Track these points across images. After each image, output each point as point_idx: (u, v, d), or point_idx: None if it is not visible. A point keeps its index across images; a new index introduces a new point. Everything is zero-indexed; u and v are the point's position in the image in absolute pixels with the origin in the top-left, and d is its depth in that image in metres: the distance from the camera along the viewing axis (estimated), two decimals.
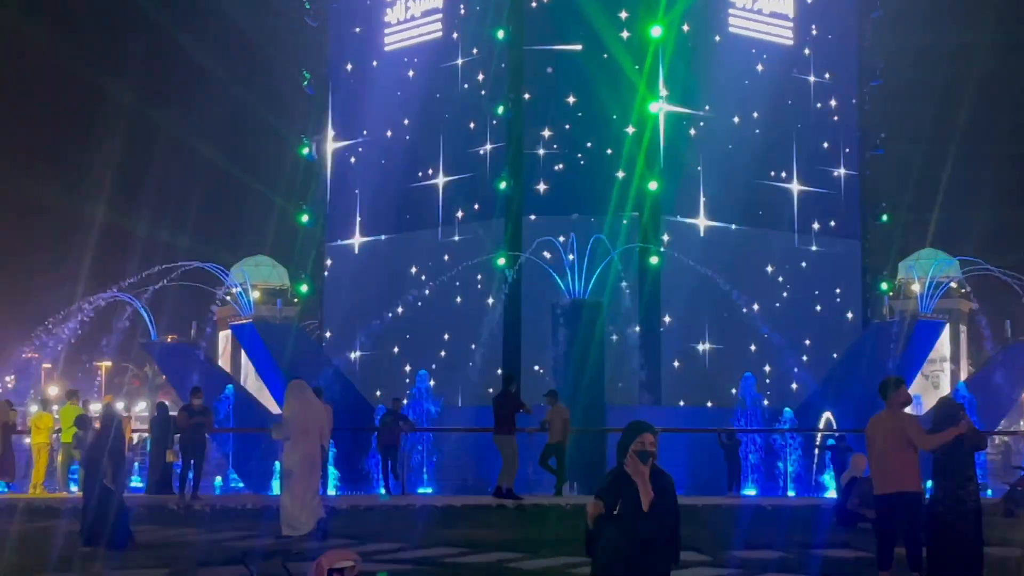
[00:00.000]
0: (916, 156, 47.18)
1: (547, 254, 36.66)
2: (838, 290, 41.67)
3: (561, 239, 36.29)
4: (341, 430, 32.83)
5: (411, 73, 41.41)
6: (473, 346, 37.27)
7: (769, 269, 39.78)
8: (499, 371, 34.17)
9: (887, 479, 13.68)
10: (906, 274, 43.00)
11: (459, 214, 39.57)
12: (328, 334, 43.56)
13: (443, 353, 38.65)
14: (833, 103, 42.31)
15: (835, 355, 38.74)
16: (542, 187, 38.22)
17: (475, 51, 39.67)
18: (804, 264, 40.80)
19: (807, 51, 41.94)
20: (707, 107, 39.04)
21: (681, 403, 37.39)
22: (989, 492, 29.20)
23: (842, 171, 42.28)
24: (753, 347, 38.13)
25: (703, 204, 38.88)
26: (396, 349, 40.06)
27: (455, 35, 40.56)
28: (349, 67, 43.90)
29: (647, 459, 8.25)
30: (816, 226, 41.33)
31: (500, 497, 25.59)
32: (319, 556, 9.05)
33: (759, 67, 40.53)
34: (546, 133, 38.31)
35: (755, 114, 40.01)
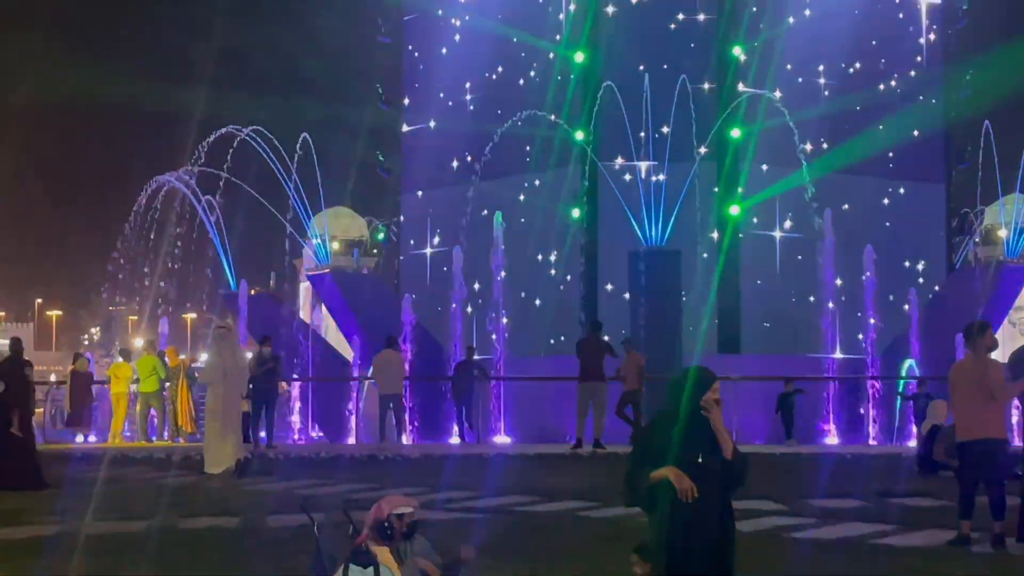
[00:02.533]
0: (1003, 103, 45.96)
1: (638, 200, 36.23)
2: (923, 234, 40.83)
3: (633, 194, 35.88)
4: (418, 379, 32.91)
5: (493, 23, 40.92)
6: (546, 297, 37.08)
7: (850, 214, 39.04)
8: (579, 319, 33.89)
9: (970, 426, 13.33)
10: (993, 219, 42.04)
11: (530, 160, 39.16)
12: (409, 283, 43.45)
13: (521, 297, 38.25)
14: (912, 48, 41.39)
15: (921, 301, 38.03)
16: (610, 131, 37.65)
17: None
18: (888, 210, 39.98)
19: None
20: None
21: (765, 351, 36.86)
22: None
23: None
24: (835, 297, 37.49)
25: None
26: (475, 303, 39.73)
27: None
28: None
29: (710, 408, 8.03)
30: (899, 171, 40.46)
31: (598, 447, 25.39)
32: (379, 500, 8.88)
33: None
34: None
35: (843, 65, 39.20)
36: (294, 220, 41.26)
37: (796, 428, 30.51)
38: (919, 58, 41.49)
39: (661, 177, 36.44)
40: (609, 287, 36.94)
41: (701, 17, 37.56)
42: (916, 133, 40.50)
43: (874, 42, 40.13)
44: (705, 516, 7.82)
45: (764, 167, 37.73)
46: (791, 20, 38.43)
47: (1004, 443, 13.57)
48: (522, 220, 38.00)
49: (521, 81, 40.00)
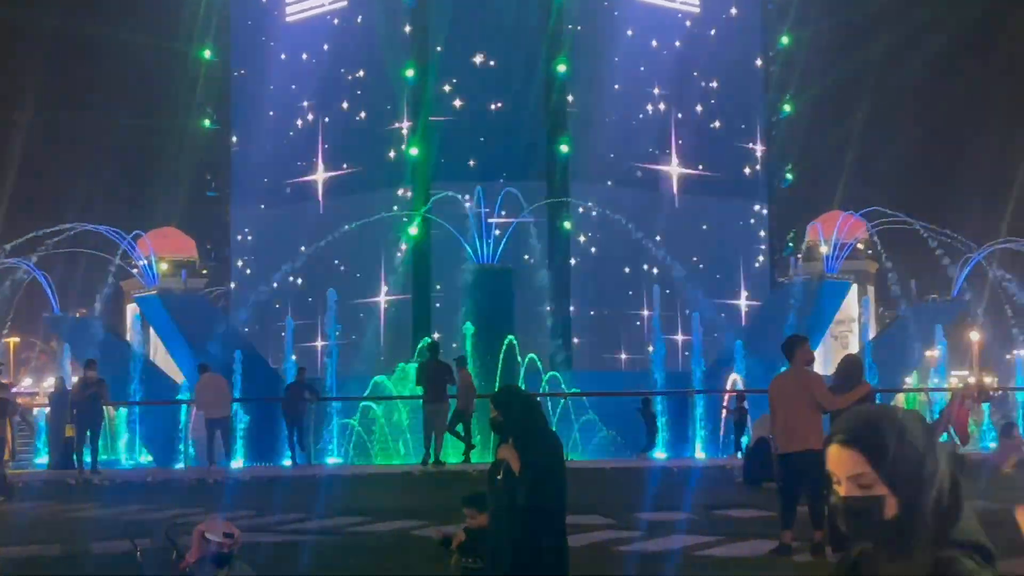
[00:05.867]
0: (822, 119, 47.42)
1: (458, 217, 36.38)
2: (746, 253, 41.87)
3: (468, 203, 36.04)
4: (247, 401, 32.45)
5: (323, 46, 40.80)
6: (380, 314, 36.99)
7: (677, 232, 39.80)
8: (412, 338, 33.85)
9: (792, 438, 13.62)
10: (812, 236, 43.28)
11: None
12: (239, 305, 42.96)
13: (351, 321, 38.23)
14: (733, 70, 42.48)
15: (744, 317, 38.91)
16: (448, 151, 37.88)
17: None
18: (710, 227, 40.91)
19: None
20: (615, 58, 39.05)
21: (593, 367, 37.35)
22: None
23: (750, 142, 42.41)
24: (661, 310, 38.12)
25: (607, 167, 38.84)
26: (317, 318, 39.48)
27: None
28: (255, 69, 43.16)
29: (497, 427, 8.27)
30: (722, 188, 41.45)
31: (438, 466, 25.65)
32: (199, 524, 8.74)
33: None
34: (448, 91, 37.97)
35: (655, 90, 40.04)
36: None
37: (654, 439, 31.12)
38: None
39: (493, 195, 36.67)
40: (439, 306, 36.99)
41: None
42: (735, 144, 41.66)
43: (699, 64, 41.10)
44: (498, 527, 8.08)
45: (598, 182, 38.33)
46: (615, 39, 39.19)
47: (823, 454, 13.90)
48: (357, 238, 37.86)
49: (350, 102, 39.92)
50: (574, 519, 15.38)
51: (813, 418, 13.59)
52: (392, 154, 38.97)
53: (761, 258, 43.25)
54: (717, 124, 41.84)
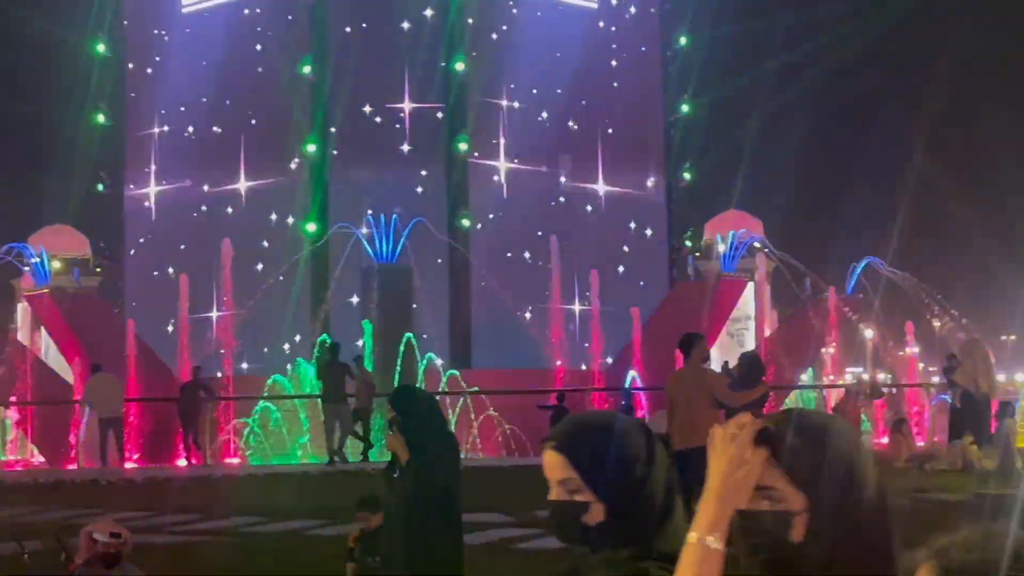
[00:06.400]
0: (721, 117, 47.88)
1: (363, 217, 36.20)
2: (644, 249, 42.14)
3: (369, 207, 35.90)
4: (142, 400, 32.00)
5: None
6: (280, 312, 36.64)
7: (574, 228, 39.95)
8: (303, 338, 33.58)
9: (690, 435, 13.67)
10: (710, 234, 43.60)
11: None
12: (133, 303, 42.34)
13: (251, 317, 37.78)
14: (632, 69, 42.74)
15: (642, 315, 39.10)
16: (349, 149, 37.69)
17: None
18: (609, 223, 41.13)
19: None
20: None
21: (495, 366, 37.31)
22: None
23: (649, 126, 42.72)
24: (563, 307, 38.22)
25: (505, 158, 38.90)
26: (212, 314, 39.00)
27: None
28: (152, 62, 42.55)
29: (390, 427, 8.33)
30: (622, 186, 41.68)
31: (339, 465, 25.55)
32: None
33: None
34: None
35: (557, 91, 40.22)
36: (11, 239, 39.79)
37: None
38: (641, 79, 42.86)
39: (393, 190, 36.55)
40: (340, 303, 36.74)
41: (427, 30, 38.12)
42: (634, 144, 41.91)
43: (596, 63, 41.30)
44: (396, 529, 8.13)
45: (496, 178, 38.35)
46: (514, 35, 39.28)
47: None
48: (253, 234, 37.51)
49: (248, 95, 39.51)
50: (473, 517, 15.36)
51: (710, 415, 13.67)
52: (290, 148, 38.62)
53: (659, 256, 43.53)
54: (615, 123, 42.01)
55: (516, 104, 39.13)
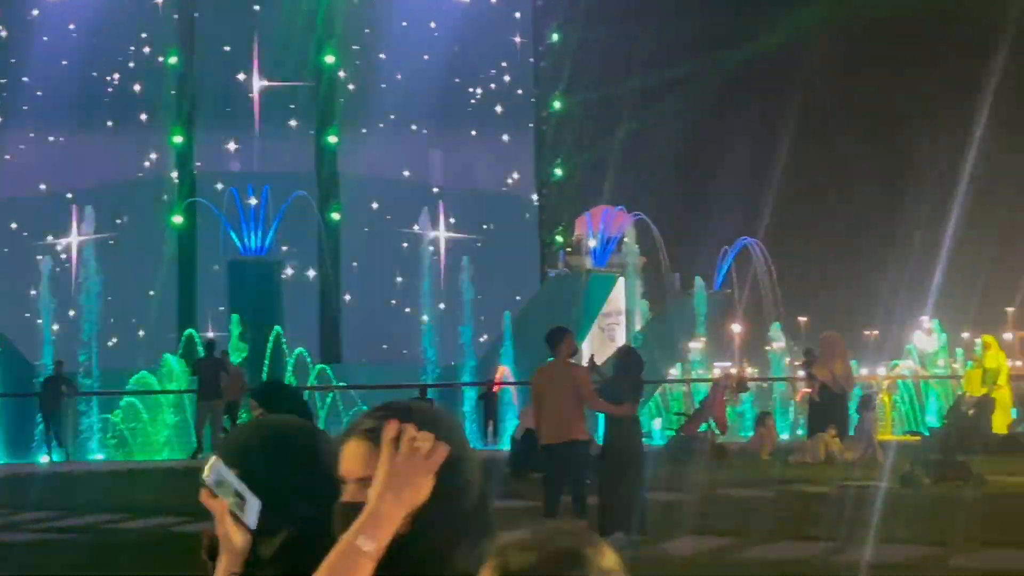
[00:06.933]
0: (592, 114, 48.19)
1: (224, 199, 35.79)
2: (517, 244, 42.24)
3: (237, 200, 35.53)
4: (2, 395, 31.32)
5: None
6: (147, 306, 36.08)
7: (445, 222, 39.96)
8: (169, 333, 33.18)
9: (556, 429, 13.73)
10: (581, 230, 43.99)
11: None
12: None
13: (115, 311, 37.10)
14: (505, 64, 42.80)
15: (514, 309, 39.23)
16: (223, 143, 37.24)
17: None
18: (480, 219, 41.17)
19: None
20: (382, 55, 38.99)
21: (366, 361, 37.19)
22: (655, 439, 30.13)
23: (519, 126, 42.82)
24: (434, 303, 38.22)
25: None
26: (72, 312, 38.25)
27: None
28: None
29: None
30: (493, 182, 41.75)
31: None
32: None
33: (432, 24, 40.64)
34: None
35: (428, 85, 40.15)
36: None
37: None
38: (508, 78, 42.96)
39: (261, 185, 36.18)
40: (208, 296, 36.29)
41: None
42: (506, 138, 42.00)
43: (468, 58, 41.31)
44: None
45: (363, 171, 38.20)
46: (387, 26, 39.14)
47: (587, 444, 14.09)
48: (119, 223, 36.91)
49: (113, 82, 38.82)
50: None
51: (576, 410, 13.74)
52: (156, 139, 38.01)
53: (530, 251, 43.64)
54: (486, 118, 42.04)
55: (385, 86, 38.90)
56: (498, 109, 42.37)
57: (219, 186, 36.54)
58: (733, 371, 37.28)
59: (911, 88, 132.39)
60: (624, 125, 48.96)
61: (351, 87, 38.67)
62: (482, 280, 37.61)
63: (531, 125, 43.89)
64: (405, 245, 38.18)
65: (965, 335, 55.22)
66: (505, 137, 42.37)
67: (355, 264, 37.95)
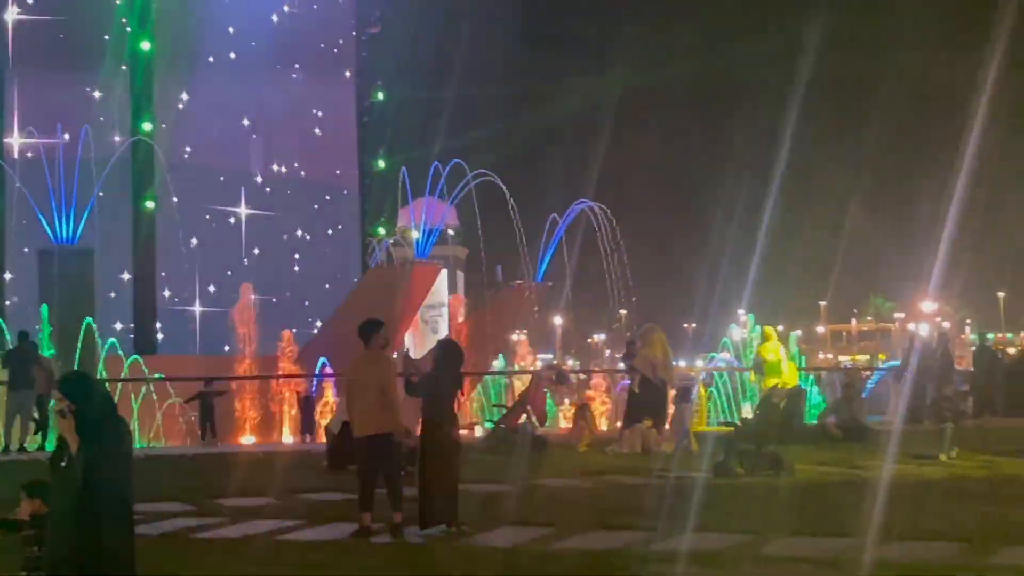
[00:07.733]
0: (416, 103, 48.05)
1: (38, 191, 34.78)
2: (338, 235, 41.95)
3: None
4: None
5: None
6: None
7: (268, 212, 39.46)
8: None
9: (368, 421, 13.65)
10: (403, 221, 43.82)
11: None
12: None
13: None
14: (323, 46, 42.52)
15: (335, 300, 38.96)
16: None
17: None
18: (303, 209, 40.79)
19: None
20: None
21: (181, 352, 36.57)
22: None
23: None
24: (253, 295, 37.69)
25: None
26: None
27: None
28: None
29: (62, 414, 7.95)
30: (316, 173, 41.38)
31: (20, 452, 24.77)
32: None
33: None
34: None
35: (252, 72, 39.60)
36: None
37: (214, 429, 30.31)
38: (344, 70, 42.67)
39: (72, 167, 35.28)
40: (16, 285, 35.26)
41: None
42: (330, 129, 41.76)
43: (290, 47, 40.91)
44: (62, 518, 7.77)
45: (181, 165, 37.49)
46: (201, 16, 38.54)
47: (396, 437, 13.98)
48: None
49: None
50: (152, 507, 14.94)
51: (389, 402, 13.65)
52: None
53: (352, 243, 43.38)
54: (309, 109, 41.68)
55: (206, 73, 38.27)
56: (321, 98, 41.98)
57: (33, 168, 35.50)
58: (556, 363, 37.52)
59: (729, 82, 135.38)
60: (448, 112, 48.96)
61: (163, 73, 37.81)
62: (305, 270, 37.32)
63: (354, 115, 43.62)
64: (221, 235, 37.48)
65: (780, 328, 56.67)
66: (328, 130, 41.97)
67: (170, 254, 37.17)
